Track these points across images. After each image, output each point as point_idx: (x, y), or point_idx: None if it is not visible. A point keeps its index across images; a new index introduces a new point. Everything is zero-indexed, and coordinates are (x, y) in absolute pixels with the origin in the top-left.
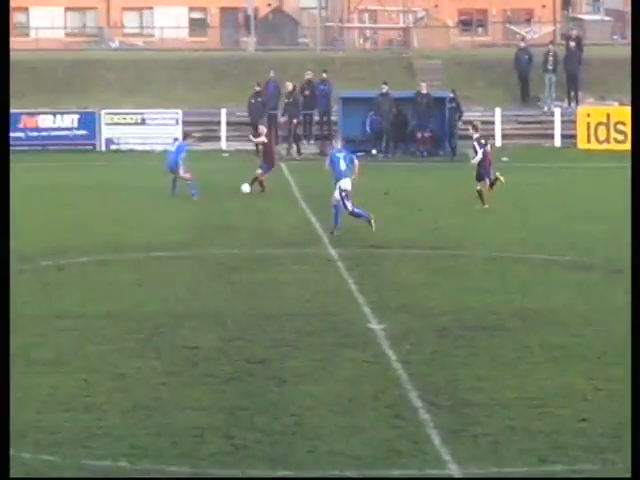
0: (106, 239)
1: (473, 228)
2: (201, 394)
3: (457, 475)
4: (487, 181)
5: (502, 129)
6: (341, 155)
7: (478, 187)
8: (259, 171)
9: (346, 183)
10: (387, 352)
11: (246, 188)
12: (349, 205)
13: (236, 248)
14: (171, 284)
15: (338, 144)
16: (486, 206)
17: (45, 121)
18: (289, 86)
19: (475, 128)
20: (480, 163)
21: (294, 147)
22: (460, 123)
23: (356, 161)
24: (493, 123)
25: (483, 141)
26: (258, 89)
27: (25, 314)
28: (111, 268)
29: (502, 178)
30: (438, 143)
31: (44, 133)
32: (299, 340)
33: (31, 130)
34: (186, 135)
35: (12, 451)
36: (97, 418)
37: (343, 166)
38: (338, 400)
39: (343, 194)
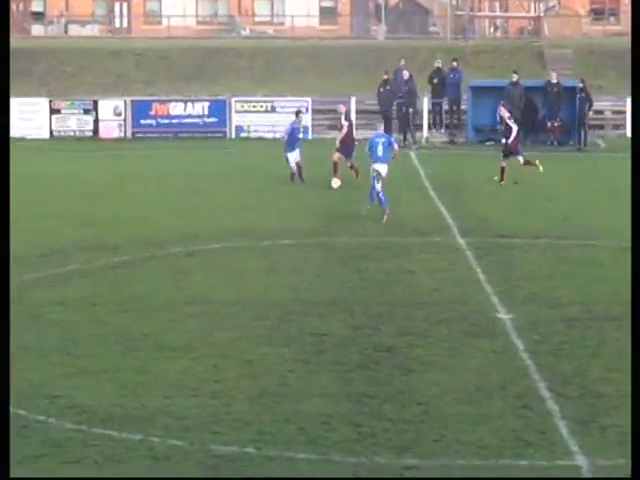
0: (236, 226)
1: (603, 218)
2: (328, 381)
3: (585, 466)
4: (520, 159)
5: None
6: (380, 140)
7: (503, 163)
8: (337, 155)
9: (381, 167)
10: (515, 342)
11: (336, 183)
12: (377, 187)
13: (364, 236)
14: (299, 271)
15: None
16: (502, 183)
17: (176, 108)
18: (405, 73)
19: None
20: (510, 141)
21: (409, 136)
22: (590, 113)
23: (395, 145)
24: (624, 113)
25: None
26: (386, 77)
27: (155, 300)
28: (240, 255)
29: (541, 167)
30: (568, 133)
31: (175, 120)
32: (427, 329)
33: (162, 117)
34: (298, 112)
35: (140, 435)
36: (225, 404)
37: (380, 152)
38: (465, 389)
39: (374, 174)
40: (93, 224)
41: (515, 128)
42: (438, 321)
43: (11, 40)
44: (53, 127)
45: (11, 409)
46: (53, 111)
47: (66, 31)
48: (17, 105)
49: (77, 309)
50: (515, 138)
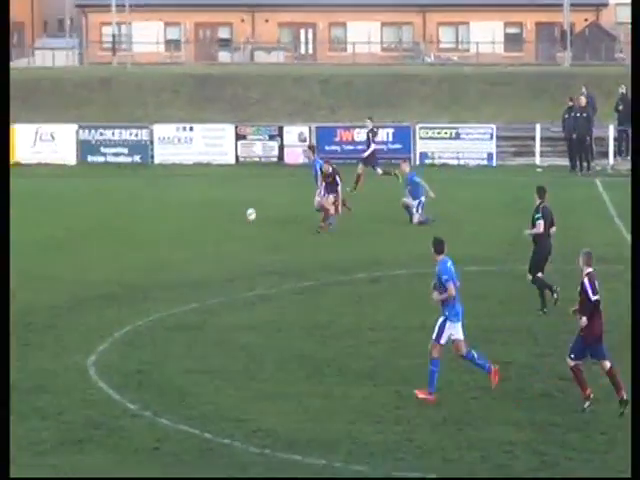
0: (420, 252)
1: None
2: (511, 409)
3: None
4: None
5: None
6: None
7: None
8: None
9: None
10: None
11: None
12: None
13: (548, 264)
14: (483, 298)
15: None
16: None
17: (361, 135)
18: (582, 100)
19: None
20: None
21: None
22: None
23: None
24: None
25: None
26: (571, 104)
27: (339, 325)
28: (425, 281)
29: None
30: None
31: (360, 147)
32: (612, 357)
33: (347, 144)
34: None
35: (324, 460)
36: (408, 430)
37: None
38: None
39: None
40: (278, 249)
41: None
42: (624, 348)
43: (199, 67)
44: (239, 153)
45: (197, 432)
46: (239, 137)
47: (252, 58)
48: (203, 131)
49: (262, 334)
50: None
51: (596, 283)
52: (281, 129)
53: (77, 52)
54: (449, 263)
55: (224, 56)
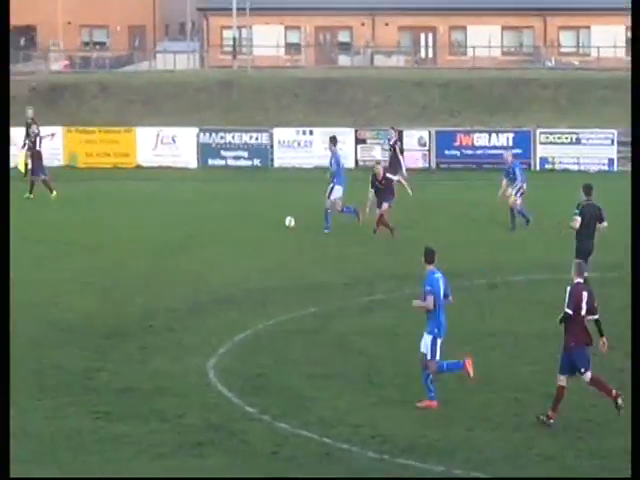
0: (540, 258)
1: None
2: (632, 416)
3: None
4: None
5: None
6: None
7: None
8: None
9: None
10: None
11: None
12: None
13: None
14: (604, 306)
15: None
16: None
17: (480, 139)
18: None
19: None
20: None
21: None
22: None
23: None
24: None
25: None
26: None
27: (458, 331)
28: (544, 287)
29: None
30: None
31: (479, 152)
32: None
33: (466, 148)
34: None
35: (442, 467)
36: (527, 437)
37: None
38: None
39: None
40: (397, 253)
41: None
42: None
43: (318, 70)
44: (358, 156)
45: (315, 437)
46: (358, 141)
47: (372, 62)
48: (323, 135)
49: (380, 338)
50: None
51: (583, 296)
52: (401, 133)
53: (198, 55)
54: (437, 274)
55: (344, 60)
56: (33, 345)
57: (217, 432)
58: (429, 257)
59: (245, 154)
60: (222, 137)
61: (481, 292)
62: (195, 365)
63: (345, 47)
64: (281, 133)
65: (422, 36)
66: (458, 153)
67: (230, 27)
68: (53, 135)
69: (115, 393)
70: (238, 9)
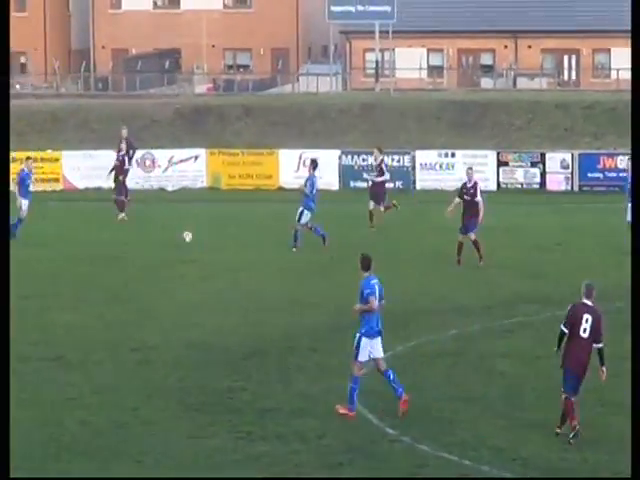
0: None
1: None
2: None
3: None
4: None
5: None
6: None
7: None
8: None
9: None
10: None
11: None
12: None
13: None
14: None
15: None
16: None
17: (624, 162)
18: None
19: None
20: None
21: None
22: None
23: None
24: None
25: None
26: None
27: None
28: None
29: None
30: None
31: (623, 174)
32: None
33: (610, 171)
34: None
35: None
36: None
37: None
38: None
39: None
40: (539, 276)
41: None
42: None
43: (461, 93)
44: (500, 179)
45: (456, 459)
46: (501, 163)
47: (514, 84)
48: (465, 157)
49: (521, 361)
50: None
51: (583, 318)
52: (543, 156)
53: (340, 78)
54: (373, 281)
55: (486, 82)
56: (176, 365)
57: (357, 453)
58: (365, 264)
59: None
60: (364, 159)
61: (624, 315)
62: (336, 386)
63: (487, 70)
64: (423, 156)
65: (565, 58)
66: (601, 175)
67: (372, 50)
68: (197, 158)
69: (257, 413)
70: (381, 32)
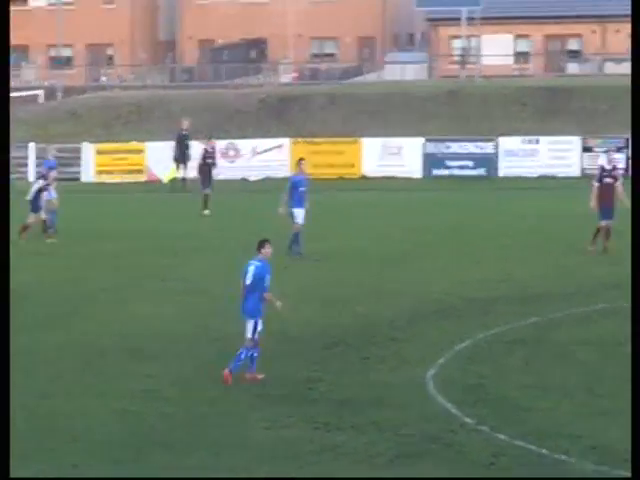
0: None
1: None
2: None
3: None
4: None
5: None
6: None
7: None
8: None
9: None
10: None
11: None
12: None
13: None
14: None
15: None
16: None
17: None
18: None
19: None
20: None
21: None
22: None
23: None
24: None
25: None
26: None
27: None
28: None
29: None
30: None
31: None
32: None
33: None
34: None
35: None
36: None
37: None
38: None
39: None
40: (620, 263)
41: None
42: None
43: (547, 79)
44: (584, 164)
45: (533, 448)
46: (585, 149)
47: (601, 69)
48: (549, 143)
49: (602, 348)
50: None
51: None
52: (627, 141)
53: (426, 66)
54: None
55: (573, 67)
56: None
57: (434, 443)
58: (258, 246)
59: (470, 163)
60: (447, 147)
61: None
62: (415, 376)
63: (574, 55)
64: (507, 142)
65: None
66: None
67: (459, 37)
68: (280, 146)
69: (334, 404)
70: (467, 19)
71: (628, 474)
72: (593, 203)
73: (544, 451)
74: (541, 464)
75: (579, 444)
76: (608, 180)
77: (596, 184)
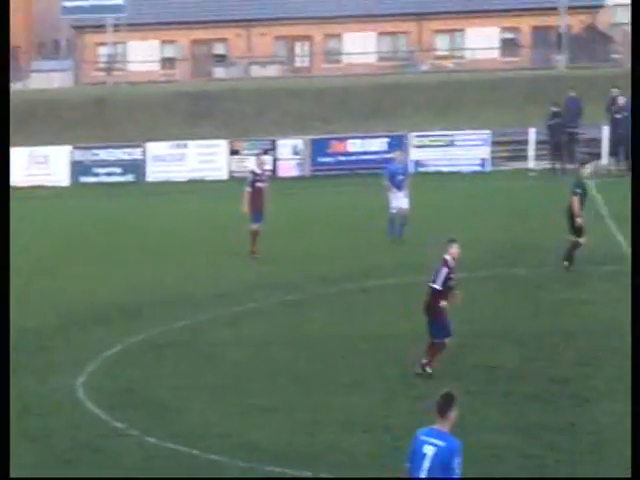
0: (410, 261)
1: None
2: (500, 414)
3: None
4: None
5: None
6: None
7: None
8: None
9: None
10: None
11: None
12: None
13: (539, 267)
14: (474, 303)
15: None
16: None
17: (354, 145)
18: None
19: None
20: None
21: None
22: None
23: None
24: None
25: None
26: (555, 110)
27: (328, 337)
28: (414, 290)
29: None
30: None
31: (353, 157)
32: (601, 359)
33: (340, 155)
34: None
35: (310, 473)
36: (396, 439)
37: None
38: None
39: None
40: (272, 262)
41: None
42: (612, 350)
43: (194, 83)
44: (232, 168)
45: (185, 449)
46: (232, 152)
47: (248, 73)
48: (197, 147)
49: (252, 348)
50: None
51: None
52: (274, 142)
53: (72, 73)
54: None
55: (219, 72)
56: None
57: (84, 449)
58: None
59: (119, 170)
60: (95, 154)
61: (352, 297)
62: (64, 384)
63: (221, 59)
64: (155, 147)
65: (298, 45)
66: (332, 160)
67: (105, 44)
68: None
69: None
70: (114, 25)
71: (278, 470)
72: (245, 208)
73: (195, 451)
74: (193, 465)
75: (229, 443)
76: (259, 185)
77: (248, 189)
